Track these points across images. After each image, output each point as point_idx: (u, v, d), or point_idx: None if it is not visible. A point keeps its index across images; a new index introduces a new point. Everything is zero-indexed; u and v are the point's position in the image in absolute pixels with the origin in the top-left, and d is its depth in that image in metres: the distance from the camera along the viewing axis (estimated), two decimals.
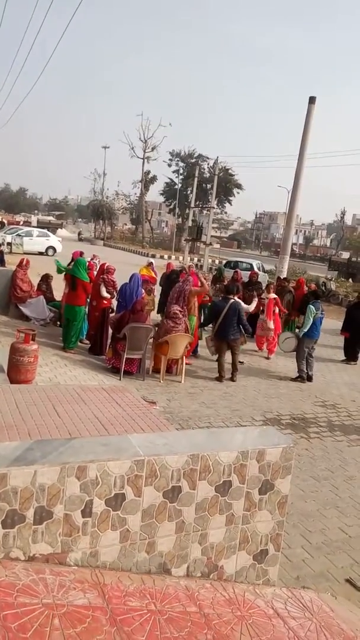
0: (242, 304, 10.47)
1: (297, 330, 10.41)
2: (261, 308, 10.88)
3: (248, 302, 10.10)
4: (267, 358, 10.87)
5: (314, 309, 9.01)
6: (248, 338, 10.39)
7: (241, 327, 8.71)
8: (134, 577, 2.76)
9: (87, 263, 9.71)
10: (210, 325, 8.99)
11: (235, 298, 8.94)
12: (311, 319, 8.97)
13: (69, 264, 10.23)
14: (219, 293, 11.17)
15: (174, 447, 3.06)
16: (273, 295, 11.03)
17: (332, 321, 14.90)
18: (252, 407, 7.52)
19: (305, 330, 9.03)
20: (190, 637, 2.37)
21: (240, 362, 10.02)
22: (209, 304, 10.48)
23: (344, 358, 11.47)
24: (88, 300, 9.22)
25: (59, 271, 9.69)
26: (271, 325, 10.72)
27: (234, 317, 8.51)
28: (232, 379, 8.61)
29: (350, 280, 30.06)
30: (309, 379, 9.31)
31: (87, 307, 9.27)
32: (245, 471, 3.17)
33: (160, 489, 2.90)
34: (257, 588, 3.19)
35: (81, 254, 9.99)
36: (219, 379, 8.61)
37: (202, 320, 9.95)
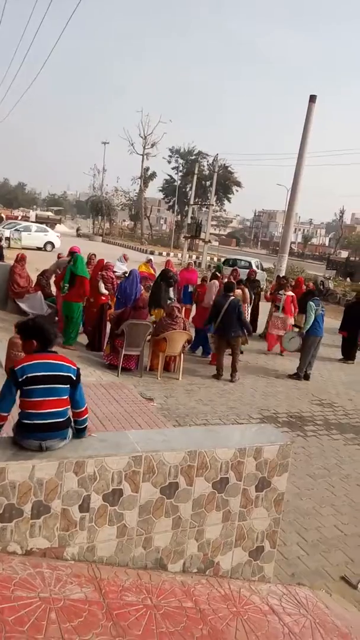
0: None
1: (296, 328, 10.43)
2: (281, 305, 10.86)
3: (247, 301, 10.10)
4: (267, 353, 10.91)
5: (313, 305, 9.06)
6: (259, 339, 10.38)
7: (242, 325, 8.71)
8: (130, 572, 2.77)
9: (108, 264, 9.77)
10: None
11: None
12: (312, 315, 9.01)
13: (69, 261, 10.20)
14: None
15: (171, 444, 3.07)
16: (290, 293, 11.03)
17: (330, 320, 14.90)
18: (249, 404, 7.54)
19: (308, 327, 9.05)
20: (186, 632, 2.38)
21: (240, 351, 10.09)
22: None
23: (341, 357, 11.51)
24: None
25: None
26: (291, 321, 10.77)
27: (233, 314, 8.50)
28: (231, 380, 8.55)
29: (348, 279, 30.12)
30: (306, 377, 9.32)
31: (84, 303, 9.24)
32: (242, 468, 3.18)
33: (158, 485, 2.91)
34: (252, 584, 3.21)
35: (78, 250, 9.98)
36: (217, 376, 8.60)
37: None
